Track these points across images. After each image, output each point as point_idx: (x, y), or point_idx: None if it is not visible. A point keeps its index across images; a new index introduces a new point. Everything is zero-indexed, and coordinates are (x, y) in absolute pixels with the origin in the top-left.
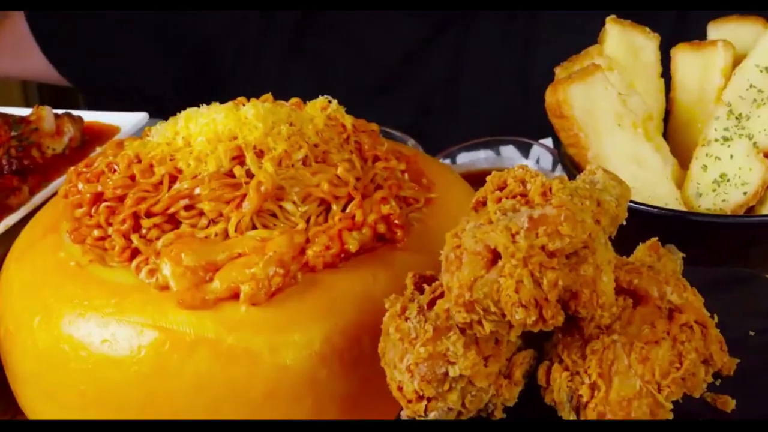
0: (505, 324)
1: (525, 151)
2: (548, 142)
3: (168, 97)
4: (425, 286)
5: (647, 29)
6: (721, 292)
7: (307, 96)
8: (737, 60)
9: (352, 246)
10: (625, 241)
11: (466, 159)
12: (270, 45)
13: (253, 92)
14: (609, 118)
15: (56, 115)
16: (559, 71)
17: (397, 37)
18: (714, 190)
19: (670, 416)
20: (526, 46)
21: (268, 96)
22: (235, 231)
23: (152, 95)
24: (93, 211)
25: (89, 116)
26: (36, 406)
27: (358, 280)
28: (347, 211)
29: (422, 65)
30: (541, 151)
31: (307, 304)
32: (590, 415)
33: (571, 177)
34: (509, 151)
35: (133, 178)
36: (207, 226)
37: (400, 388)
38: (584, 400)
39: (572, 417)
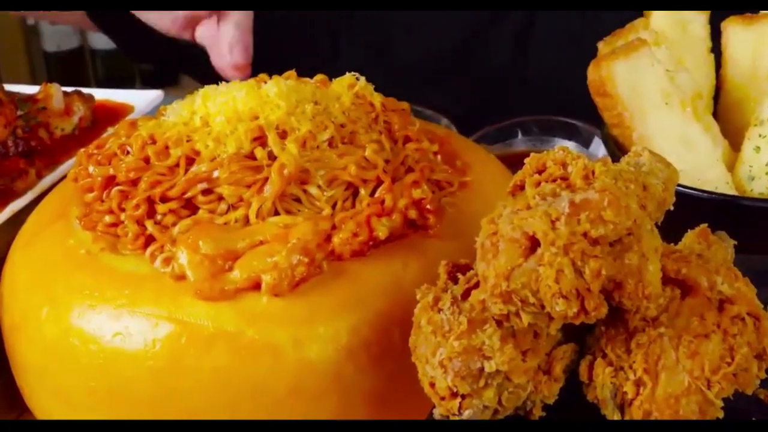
0: (544, 316)
1: (568, 132)
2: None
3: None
4: (459, 276)
5: None
6: None
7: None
8: None
9: (381, 233)
10: (672, 227)
11: (503, 140)
12: (320, 23)
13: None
14: (655, 97)
15: (65, 93)
16: (602, 46)
17: (453, 22)
18: None
19: (721, 414)
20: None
21: (292, 73)
22: (256, 217)
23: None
24: (104, 195)
25: (100, 94)
26: (43, 404)
27: (387, 269)
28: (376, 195)
29: (481, 51)
30: (587, 133)
31: (333, 295)
32: (635, 413)
33: (615, 159)
34: (547, 132)
35: (147, 160)
36: (226, 212)
37: (432, 385)
38: (629, 397)
39: (616, 415)
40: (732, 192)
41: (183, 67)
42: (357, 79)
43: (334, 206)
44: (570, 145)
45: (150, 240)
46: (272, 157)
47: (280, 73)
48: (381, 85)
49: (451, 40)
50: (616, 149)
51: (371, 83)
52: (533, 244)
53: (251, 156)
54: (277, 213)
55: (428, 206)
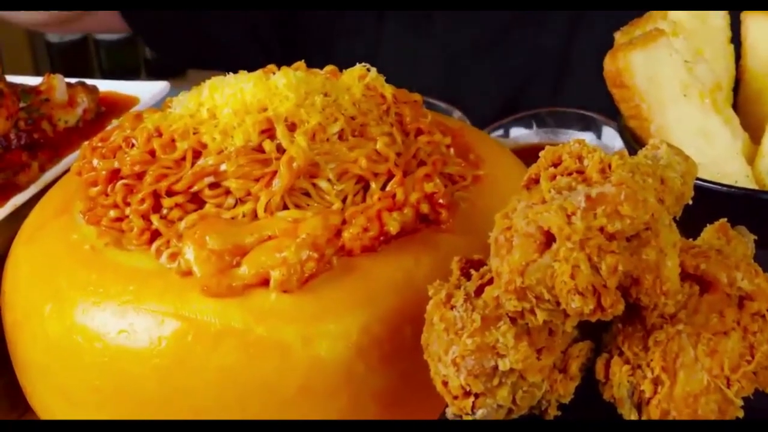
0: (559, 313)
1: (584, 124)
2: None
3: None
4: (472, 272)
5: None
6: None
7: (400, 61)
8: None
9: (393, 228)
10: (691, 222)
11: (517, 133)
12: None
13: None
14: (674, 88)
15: (69, 85)
16: (619, 36)
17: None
18: None
19: (741, 414)
20: None
21: (301, 64)
22: (265, 211)
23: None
24: (109, 189)
25: (105, 86)
26: (46, 403)
27: (398, 265)
28: (387, 189)
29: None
30: (602, 126)
31: (344, 292)
32: (653, 412)
33: (632, 152)
34: (562, 124)
35: (152, 153)
36: (234, 206)
37: (444, 384)
38: (646, 395)
39: (633, 414)
40: (752, 186)
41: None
42: (368, 70)
43: (344, 200)
44: (586, 137)
45: (156, 235)
46: (281, 150)
47: (321, 56)
48: (421, 69)
49: (491, 23)
50: (633, 142)
51: (411, 65)
52: (548, 239)
53: (259, 149)
54: (285, 207)
55: (441, 200)
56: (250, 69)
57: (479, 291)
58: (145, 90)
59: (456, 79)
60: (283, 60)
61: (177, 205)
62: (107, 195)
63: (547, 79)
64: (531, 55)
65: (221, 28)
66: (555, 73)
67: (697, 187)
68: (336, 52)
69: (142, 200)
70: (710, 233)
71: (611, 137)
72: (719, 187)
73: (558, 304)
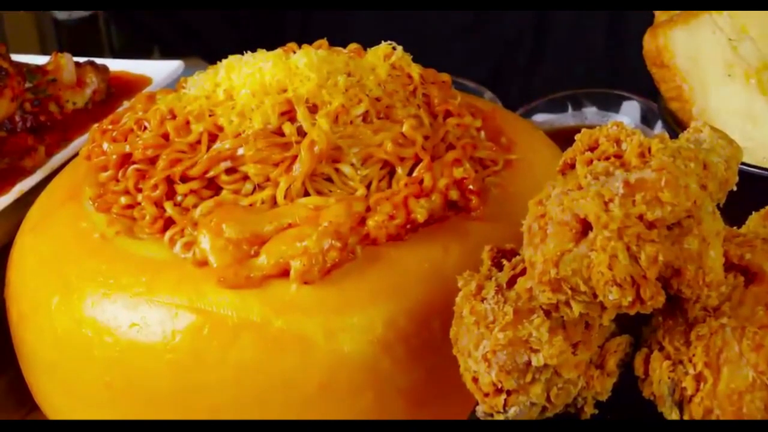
0: (596, 305)
1: (619, 106)
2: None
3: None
4: (504, 262)
5: None
6: None
7: (370, 41)
8: None
9: (420, 215)
10: (735, 209)
11: (552, 115)
12: None
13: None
14: (717, 68)
15: (77, 64)
16: (660, 13)
17: None
18: None
19: None
20: None
21: (323, 42)
22: (285, 198)
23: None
24: (120, 174)
25: (116, 65)
26: (54, 400)
27: (426, 254)
28: (414, 174)
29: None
30: (639, 107)
31: (368, 283)
32: (695, 410)
33: (673, 135)
34: (600, 106)
35: (166, 136)
36: (252, 193)
37: (475, 380)
38: (688, 393)
39: (674, 413)
40: None
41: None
42: (393, 48)
43: (368, 186)
44: (624, 119)
45: (169, 223)
46: (302, 133)
47: (282, 42)
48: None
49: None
50: (675, 125)
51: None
52: (585, 227)
53: (279, 132)
54: (307, 194)
55: (471, 186)
56: (223, 51)
57: (511, 282)
58: (158, 70)
59: (431, 65)
60: (258, 42)
61: (192, 191)
62: (118, 181)
63: (529, 62)
64: (510, 37)
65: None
66: (537, 56)
67: (741, 173)
68: (311, 32)
69: (155, 186)
70: (756, 221)
71: (651, 119)
72: (766, 172)
73: (595, 296)
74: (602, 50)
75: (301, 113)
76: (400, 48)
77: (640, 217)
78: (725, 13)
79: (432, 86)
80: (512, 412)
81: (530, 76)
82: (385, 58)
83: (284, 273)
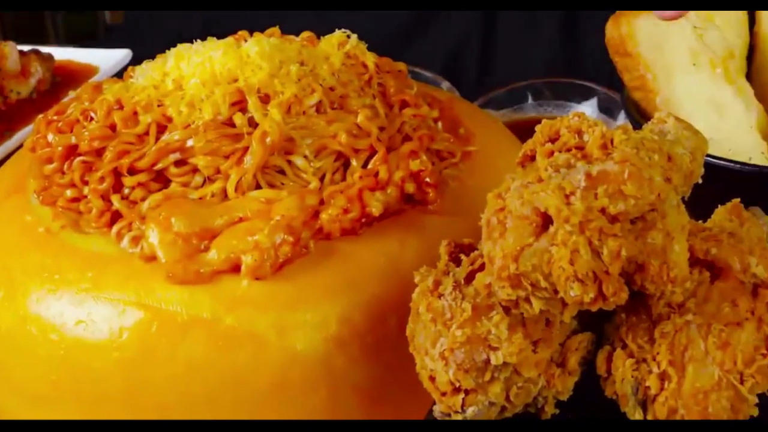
0: (557, 302)
1: (580, 96)
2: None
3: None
4: (462, 257)
5: None
6: None
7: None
8: None
9: (375, 209)
10: (701, 202)
11: (511, 106)
12: None
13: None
14: (682, 56)
15: (21, 53)
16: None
17: None
18: None
19: (755, 412)
20: None
21: (275, 30)
22: (235, 191)
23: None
24: (65, 167)
25: (61, 54)
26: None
27: (382, 249)
28: (369, 167)
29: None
30: (600, 97)
31: (322, 278)
32: (659, 410)
33: (637, 126)
34: (561, 96)
35: (113, 127)
36: (202, 185)
37: (432, 379)
38: (652, 392)
39: (638, 413)
40: (767, 163)
41: None
42: (348, 36)
43: (322, 179)
44: (586, 110)
45: (116, 217)
46: (253, 124)
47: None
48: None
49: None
50: (638, 115)
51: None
52: (545, 221)
53: (230, 123)
54: (258, 186)
55: (428, 179)
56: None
57: (469, 278)
58: (104, 58)
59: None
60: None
61: (140, 184)
62: (63, 173)
63: (481, 55)
64: (462, 30)
65: None
66: (489, 48)
67: (707, 165)
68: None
69: (102, 179)
70: (722, 215)
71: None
72: (732, 164)
73: (556, 292)
74: (558, 41)
75: (253, 103)
76: (354, 36)
77: (603, 211)
78: None
79: (387, 76)
80: (470, 412)
81: (486, 67)
82: (339, 47)
83: (235, 268)
